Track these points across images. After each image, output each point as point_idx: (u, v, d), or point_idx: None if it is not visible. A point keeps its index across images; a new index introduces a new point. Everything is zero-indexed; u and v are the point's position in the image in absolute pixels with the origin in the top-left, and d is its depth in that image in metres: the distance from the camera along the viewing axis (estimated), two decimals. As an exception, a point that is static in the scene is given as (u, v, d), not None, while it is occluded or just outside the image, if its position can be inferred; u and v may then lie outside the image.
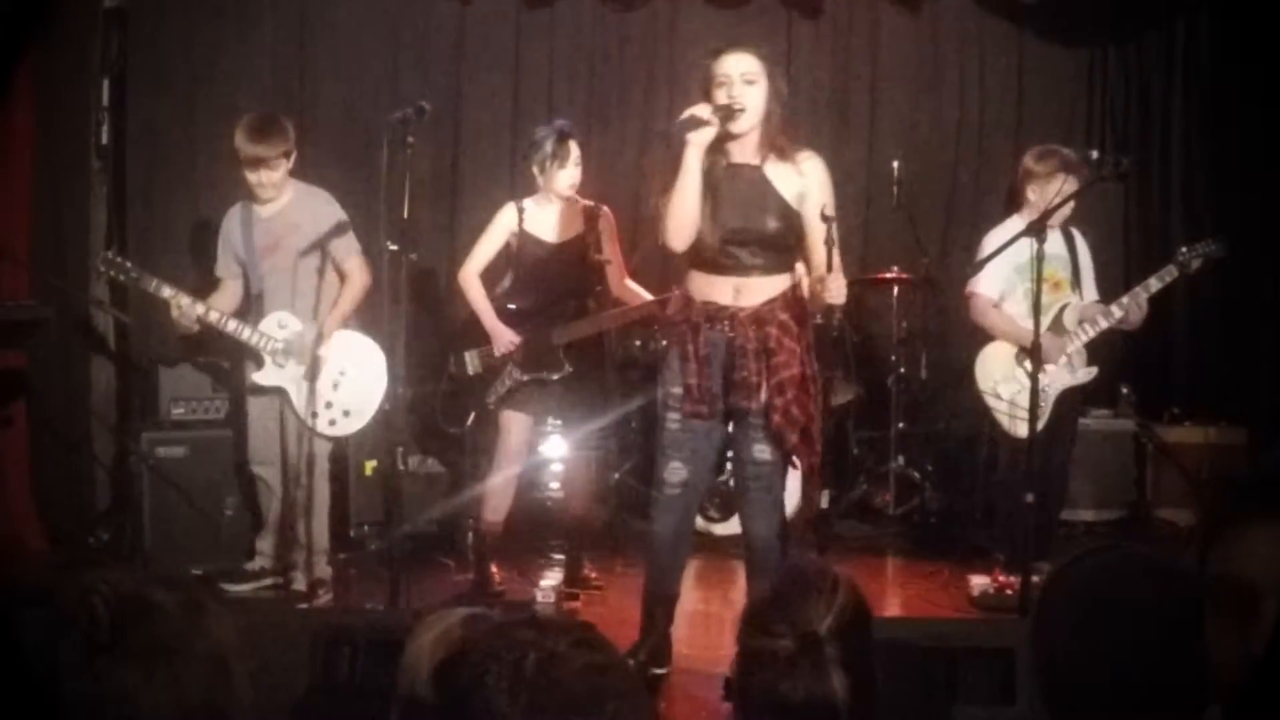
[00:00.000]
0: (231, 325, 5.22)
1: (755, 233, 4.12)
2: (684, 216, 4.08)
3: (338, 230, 5.26)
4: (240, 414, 5.51)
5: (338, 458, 5.73)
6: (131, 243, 6.40)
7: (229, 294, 5.36)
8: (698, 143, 4.00)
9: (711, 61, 4.10)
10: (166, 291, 5.16)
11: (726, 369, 4.16)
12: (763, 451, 4.15)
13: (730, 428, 4.29)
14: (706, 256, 4.17)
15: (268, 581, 5.41)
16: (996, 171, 6.97)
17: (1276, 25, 6.38)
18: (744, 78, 4.06)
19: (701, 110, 4.00)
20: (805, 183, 4.14)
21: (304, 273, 5.25)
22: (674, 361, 4.24)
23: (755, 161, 4.15)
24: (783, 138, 4.15)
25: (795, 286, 4.20)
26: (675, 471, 4.22)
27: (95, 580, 1.50)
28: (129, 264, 5.28)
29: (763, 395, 4.10)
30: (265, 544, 5.48)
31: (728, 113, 4.03)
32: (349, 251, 5.29)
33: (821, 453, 4.22)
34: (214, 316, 5.20)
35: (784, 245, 4.16)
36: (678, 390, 4.21)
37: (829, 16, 7.26)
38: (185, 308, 5.15)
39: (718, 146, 4.11)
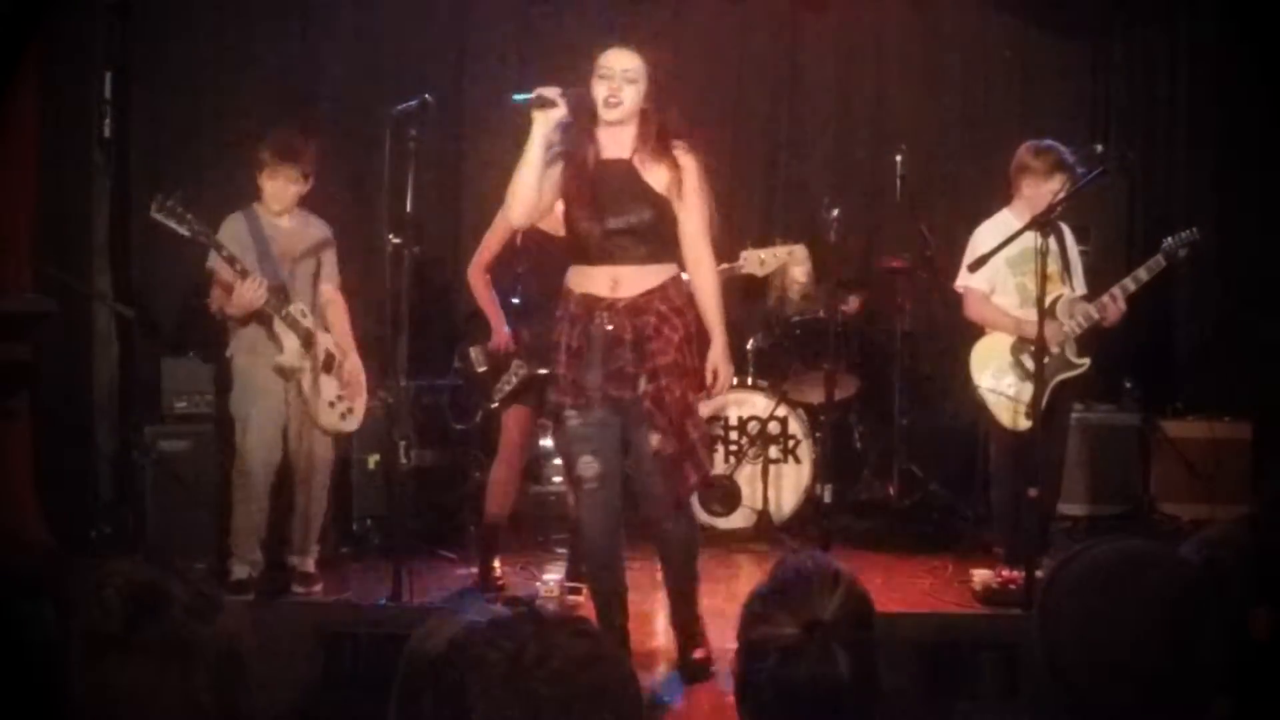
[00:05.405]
0: (272, 305, 5.06)
1: (629, 223, 4.14)
2: (522, 190, 4.16)
3: (333, 255, 5.38)
4: (231, 409, 5.35)
5: (341, 453, 5.72)
6: (134, 236, 6.39)
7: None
8: (542, 121, 4.06)
9: (600, 53, 4.16)
10: (239, 266, 4.94)
11: (605, 360, 4.16)
12: (652, 440, 4.15)
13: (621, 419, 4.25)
14: (584, 249, 4.21)
15: (251, 596, 5.10)
16: (1001, 165, 6.94)
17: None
18: (625, 75, 4.12)
19: (550, 91, 4.05)
20: (675, 174, 4.16)
21: (316, 289, 5.32)
22: (556, 355, 4.26)
23: (626, 155, 4.19)
24: (659, 141, 4.17)
25: (675, 278, 4.22)
26: (589, 465, 4.20)
27: (109, 571, 1.47)
28: (189, 214, 4.89)
29: (640, 384, 4.12)
30: (248, 545, 5.25)
31: (577, 99, 4.08)
32: (333, 277, 5.38)
33: (702, 433, 4.22)
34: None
35: (659, 235, 4.19)
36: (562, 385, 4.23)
37: (833, 10, 7.24)
38: (260, 285, 4.95)
39: (590, 138, 4.18)
